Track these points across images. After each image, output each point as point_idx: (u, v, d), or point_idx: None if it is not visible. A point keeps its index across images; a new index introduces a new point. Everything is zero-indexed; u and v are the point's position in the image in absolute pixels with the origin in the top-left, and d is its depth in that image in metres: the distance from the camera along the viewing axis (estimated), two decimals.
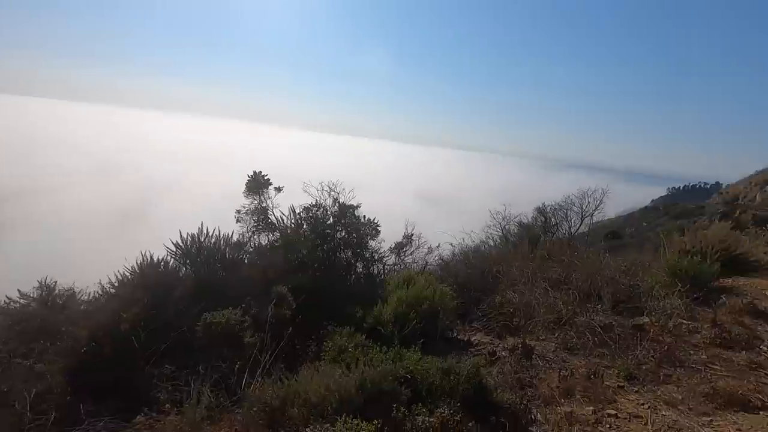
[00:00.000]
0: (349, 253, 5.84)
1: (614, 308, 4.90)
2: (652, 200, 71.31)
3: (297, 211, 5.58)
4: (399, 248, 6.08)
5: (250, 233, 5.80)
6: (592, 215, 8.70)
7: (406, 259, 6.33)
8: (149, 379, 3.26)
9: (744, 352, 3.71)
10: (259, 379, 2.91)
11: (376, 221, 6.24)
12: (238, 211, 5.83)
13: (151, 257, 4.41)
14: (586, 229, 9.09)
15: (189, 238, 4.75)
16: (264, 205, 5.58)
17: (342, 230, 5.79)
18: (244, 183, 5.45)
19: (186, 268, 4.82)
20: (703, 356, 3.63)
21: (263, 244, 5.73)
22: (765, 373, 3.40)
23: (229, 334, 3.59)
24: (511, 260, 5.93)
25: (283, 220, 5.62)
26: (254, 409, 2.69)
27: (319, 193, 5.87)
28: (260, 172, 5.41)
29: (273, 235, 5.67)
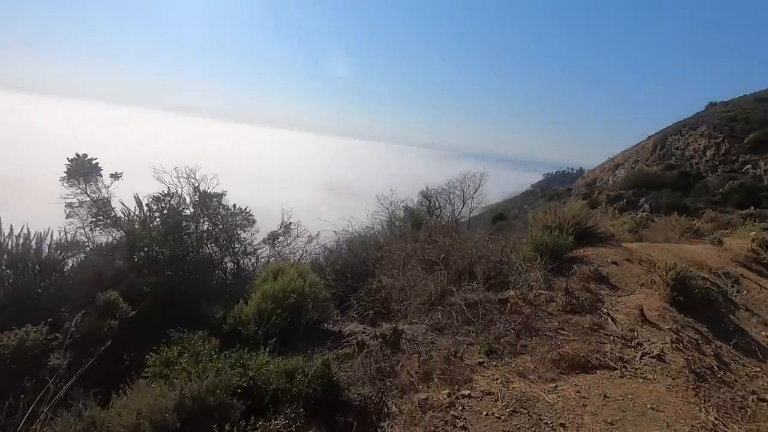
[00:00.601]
0: (216, 248, 5.19)
1: (486, 284, 5.09)
2: (532, 185, 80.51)
3: (146, 201, 4.74)
4: (273, 238, 5.59)
5: (87, 230, 4.81)
6: (472, 197, 9.13)
7: (284, 250, 5.87)
8: None
9: (588, 315, 4.04)
10: (50, 414, 2.26)
11: (248, 211, 5.66)
12: (70, 205, 4.78)
13: None
14: (470, 211, 9.52)
15: None
16: (99, 195, 4.63)
17: (206, 222, 5.11)
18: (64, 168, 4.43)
19: None
20: (555, 323, 3.86)
21: (105, 242, 4.80)
22: (604, 333, 3.72)
23: (26, 359, 2.81)
24: (393, 244, 5.84)
25: (129, 213, 4.73)
26: None
27: (176, 180, 5.09)
28: (85, 155, 4.44)
29: (119, 231, 4.76)
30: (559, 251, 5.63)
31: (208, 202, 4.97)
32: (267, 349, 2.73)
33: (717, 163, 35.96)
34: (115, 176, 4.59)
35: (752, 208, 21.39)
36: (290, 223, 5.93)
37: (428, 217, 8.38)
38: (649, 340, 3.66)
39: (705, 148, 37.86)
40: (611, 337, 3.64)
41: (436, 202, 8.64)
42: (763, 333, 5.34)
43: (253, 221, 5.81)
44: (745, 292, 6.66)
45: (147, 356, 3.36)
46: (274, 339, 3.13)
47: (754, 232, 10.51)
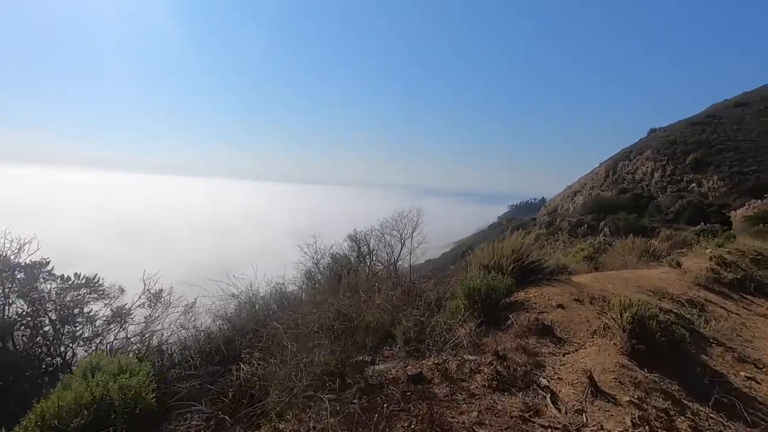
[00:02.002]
0: (38, 338, 3.83)
1: (407, 348, 3.96)
2: (498, 217, 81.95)
3: None
4: (121, 316, 4.27)
5: None
6: (411, 237, 8.13)
7: (150, 327, 4.54)
8: None
9: (521, 393, 2.95)
10: None
11: (97, 281, 4.38)
12: None
13: None
14: (410, 252, 8.46)
15: None
16: None
17: (17, 302, 3.78)
18: None
19: None
20: (474, 413, 2.73)
21: None
22: (540, 425, 2.61)
23: None
24: (291, 308, 4.65)
25: None
26: None
27: None
28: None
29: None
30: (494, 297, 4.60)
31: (19, 275, 3.67)
32: None
33: (665, 183, 37.46)
34: None
35: (703, 224, 21.67)
36: (161, 291, 4.65)
37: (359, 264, 7.26)
38: (602, 428, 2.59)
39: (653, 171, 39.54)
40: (549, 430, 2.54)
41: (366, 247, 7.56)
42: (742, 373, 4.41)
43: (121, 290, 4.52)
44: (713, 321, 5.83)
45: None
46: None
47: (709, 250, 10.01)
